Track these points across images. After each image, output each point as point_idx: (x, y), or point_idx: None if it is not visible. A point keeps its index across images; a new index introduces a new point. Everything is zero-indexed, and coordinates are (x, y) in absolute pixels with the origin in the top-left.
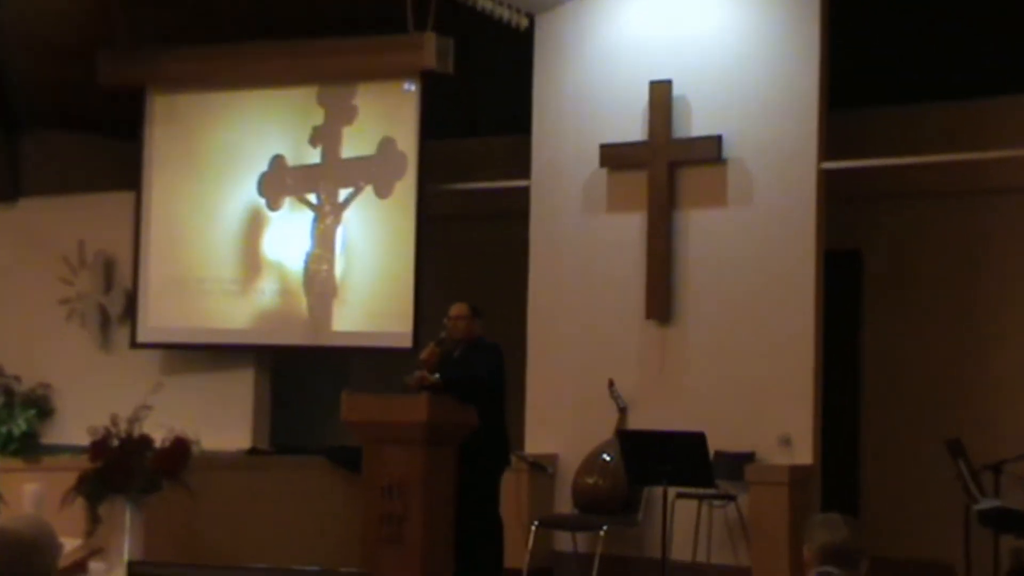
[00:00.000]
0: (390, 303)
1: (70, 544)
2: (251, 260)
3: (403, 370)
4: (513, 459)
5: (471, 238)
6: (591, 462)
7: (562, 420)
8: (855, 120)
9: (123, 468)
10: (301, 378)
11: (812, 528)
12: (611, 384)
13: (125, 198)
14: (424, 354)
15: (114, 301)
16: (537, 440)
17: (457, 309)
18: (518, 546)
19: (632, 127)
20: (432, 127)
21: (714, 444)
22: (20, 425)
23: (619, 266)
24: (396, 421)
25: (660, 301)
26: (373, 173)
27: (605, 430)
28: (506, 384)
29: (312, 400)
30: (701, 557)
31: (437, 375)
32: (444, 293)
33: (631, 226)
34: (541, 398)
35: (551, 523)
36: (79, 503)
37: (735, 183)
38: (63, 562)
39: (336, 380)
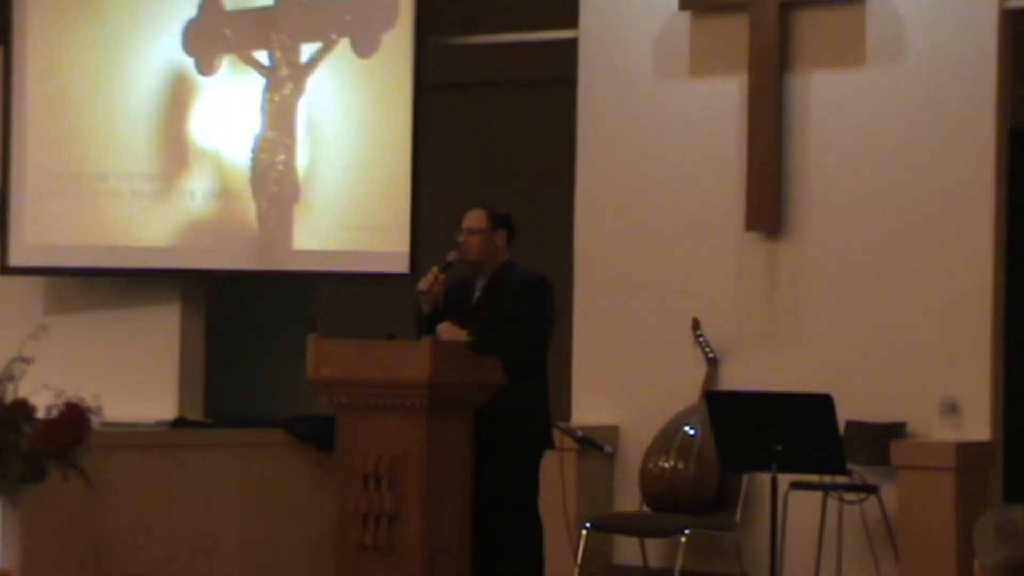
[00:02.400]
0: (376, 210)
1: None
2: (174, 148)
3: (394, 308)
4: (556, 434)
5: (493, 115)
6: (667, 438)
7: (624, 378)
8: None
9: None
10: (248, 318)
11: (984, 530)
12: (696, 326)
13: None
14: (423, 283)
15: None
16: (589, 407)
17: (472, 218)
18: (563, 557)
19: None
20: None
21: (845, 411)
22: None
23: (707, 155)
24: (386, 379)
25: (767, 205)
26: (350, 20)
27: (687, 392)
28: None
29: (264, 349)
30: (827, 573)
31: (470, 336)
32: (456, 196)
33: (725, 96)
34: (594, 346)
35: (610, 525)
36: None
37: (878, 31)
38: None
39: (299, 321)
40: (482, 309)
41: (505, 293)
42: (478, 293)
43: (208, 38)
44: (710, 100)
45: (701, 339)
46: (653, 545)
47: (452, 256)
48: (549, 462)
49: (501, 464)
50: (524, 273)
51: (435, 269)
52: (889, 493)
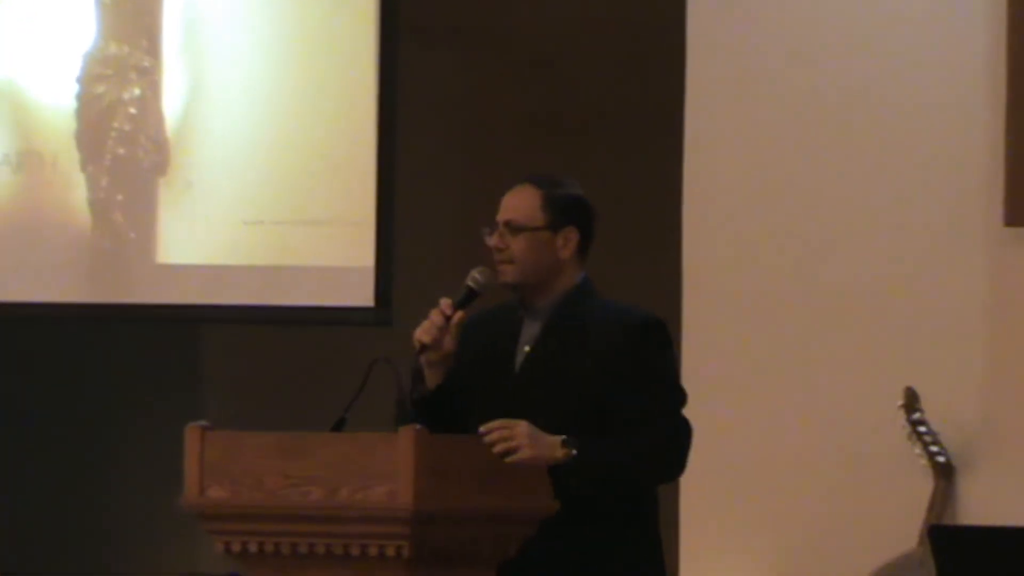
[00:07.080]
0: (313, 189)
1: None
2: None
3: (348, 369)
4: None
5: (530, 20)
6: None
7: (776, 506)
8: None
9: None
10: (73, 392)
11: None
12: (911, 403)
13: None
14: (423, 331)
15: None
16: (711, 559)
17: (515, 203)
18: None
19: None
20: None
21: None
22: None
23: (927, 90)
24: (333, 505)
25: None
26: None
27: (896, 527)
28: None
29: (100, 453)
30: None
31: (572, 451)
32: (462, 165)
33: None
34: (716, 445)
35: None
36: None
37: None
38: None
39: (168, 396)
40: (537, 381)
41: (579, 349)
42: (526, 347)
43: None
44: (933, 14)
45: (922, 428)
46: None
47: (476, 279)
48: None
49: None
50: (613, 311)
51: (445, 303)
52: None
